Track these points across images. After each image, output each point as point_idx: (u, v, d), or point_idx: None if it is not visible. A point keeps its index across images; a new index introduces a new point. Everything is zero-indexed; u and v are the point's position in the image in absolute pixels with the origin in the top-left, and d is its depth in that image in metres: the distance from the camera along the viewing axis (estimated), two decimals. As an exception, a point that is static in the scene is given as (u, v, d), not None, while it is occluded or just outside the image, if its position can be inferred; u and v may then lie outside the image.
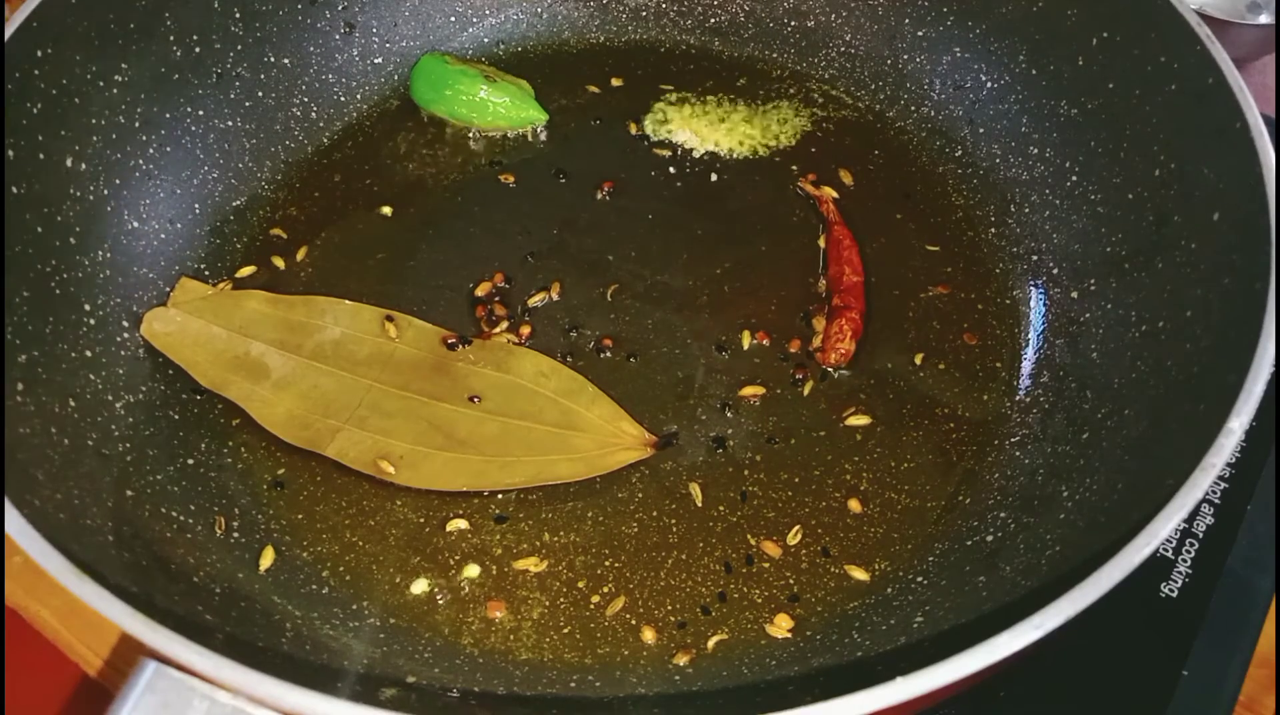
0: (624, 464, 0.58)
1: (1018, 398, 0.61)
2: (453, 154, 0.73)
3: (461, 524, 0.56)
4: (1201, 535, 0.60)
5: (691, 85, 0.76)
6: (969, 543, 0.55)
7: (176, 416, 0.59)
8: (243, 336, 0.62)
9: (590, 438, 0.58)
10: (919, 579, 0.54)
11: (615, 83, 0.77)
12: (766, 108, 0.75)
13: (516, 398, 0.60)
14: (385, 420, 0.59)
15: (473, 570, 0.55)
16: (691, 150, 0.73)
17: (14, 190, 0.55)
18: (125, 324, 0.60)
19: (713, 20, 0.79)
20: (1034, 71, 0.68)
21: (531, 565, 0.55)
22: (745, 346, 0.63)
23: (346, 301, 0.64)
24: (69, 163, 0.59)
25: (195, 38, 0.66)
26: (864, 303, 0.64)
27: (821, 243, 0.68)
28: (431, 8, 0.77)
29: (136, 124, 0.63)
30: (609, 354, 0.63)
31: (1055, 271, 0.64)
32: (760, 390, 0.61)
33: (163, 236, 0.64)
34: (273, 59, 0.71)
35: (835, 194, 0.70)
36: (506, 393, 0.60)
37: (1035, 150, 0.67)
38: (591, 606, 0.54)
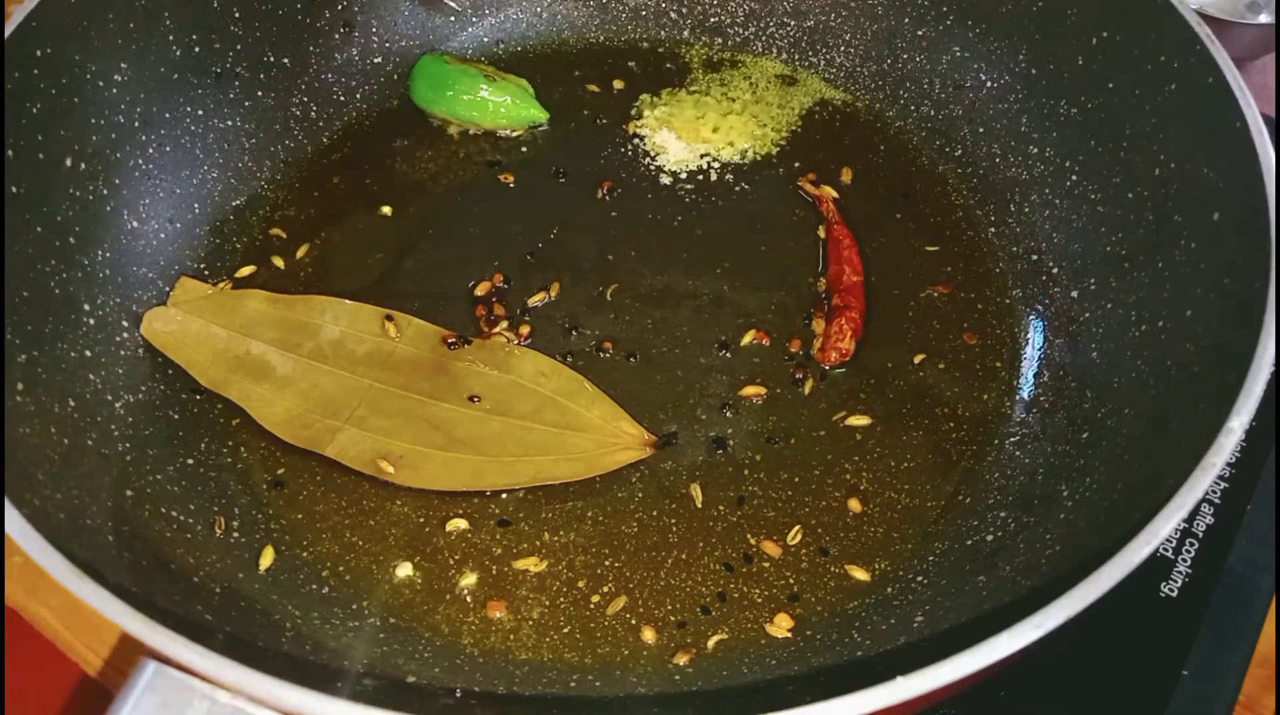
0: (623, 464, 0.58)
1: (1018, 397, 0.61)
2: (452, 154, 0.73)
3: (461, 524, 0.56)
4: (1201, 535, 0.60)
5: (691, 85, 0.76)
6: (969, 542, 0.55)
7: (176, 416, 0.59)
8: (243, 336, 0.62)
9: (590, 438, 0.58)
10: (919, 578, 0.54)
11: (617, 84, 0.77)
12: (766, 107, 0.75)
13: (516, 398, 0.60)
14: (385, 420, 0.59)
15: (472, 570, 0.55)
16: (691, 150, 0.73)
17: (14, 190, 0.55)
18: (125, 324, 0.60)
19: (713, 20, 0.79)
20: (1034, 71, 0.68)
21: (531, 565, 0.55)
22: (745, 346, 0.63)
23: (346, 301, 0.64)
24: (69, 162, 0.59)
25: (195, 37, 0.66)
26: (864, 302, 0.64)
27: (821, 235, 0.68)
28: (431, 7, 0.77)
29: (136, 124, 0.63)
30: (609, 354, 0.63)
31: (1055, 271, 0.64)
32: (760, 390, 0.61)
33: (162, 236, 0.64)
34: (272, 59, 0.71)
35: (835, 194, 0.70)
36: (506, 393, 0.60)
37: (1035, 150, 0.67)
38: (591, 606, 0.54)
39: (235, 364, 0.61)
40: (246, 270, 0.66)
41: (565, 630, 0.53)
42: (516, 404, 0.60)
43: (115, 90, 0.61)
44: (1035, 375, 0.62)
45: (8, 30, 0.55)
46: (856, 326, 0.63)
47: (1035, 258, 0.66)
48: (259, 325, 0.62)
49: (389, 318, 0.63)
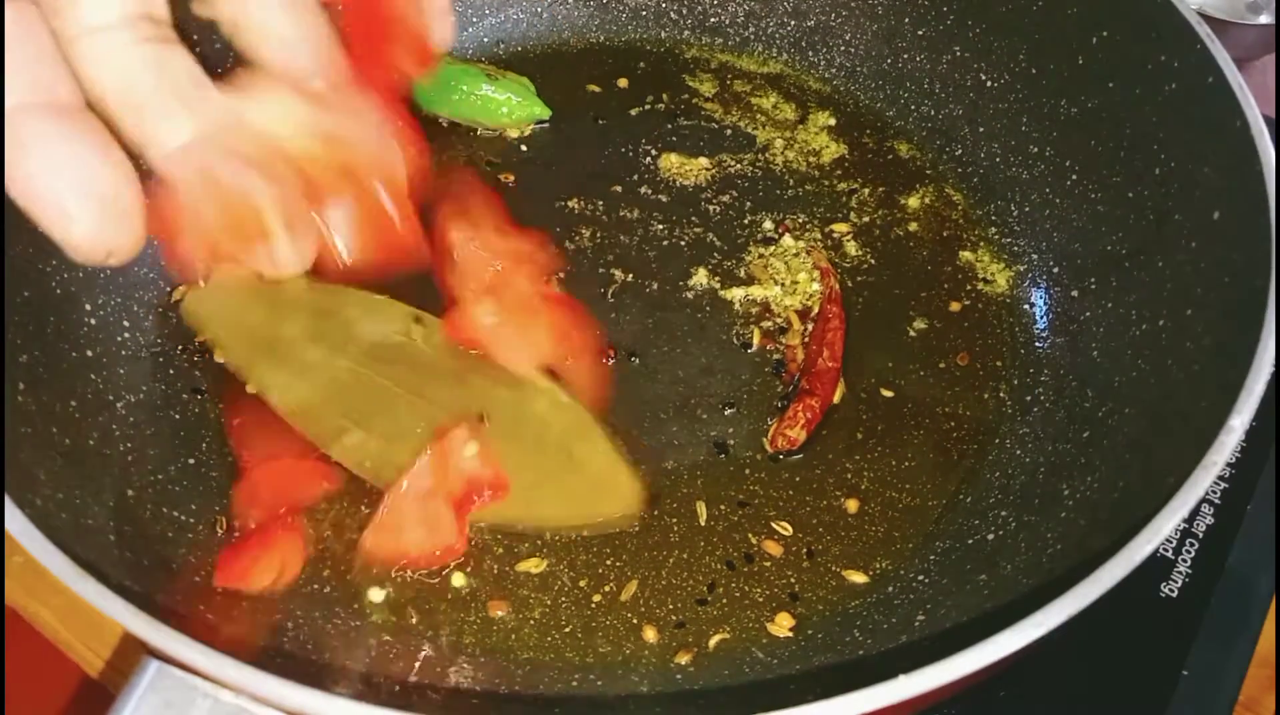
0: (611, 519, 0.55)
1: (1018, 397, 0.61)
2: (453, 154, 0.73)
3: (463, 524, 0.56)
4: (1201, 535, 0.60)
5: (692, 86, 0.76)
6: (970, 541, 0.55)
7: (177, 416, 0.59)
8: (276, 318, 0.62)
9: (585, 482, 0.56)
10: (920, 578, 0.54)
11: (620, 83, 0.77)
12: (766, 108, 0.75)
13: (524, 425, 0.58)
14: (393, 425, 0.58)
15: (474, 570, 0.55)
16: (692, 150, 0.73)
17: (15, 190, 0.55)
18: (126, 324, 0.60)
19: (713, 20, 0.79)
20: (1034, 70, 0.68)
21: (533, 565, 0.55)
22: (749, 345, 0.63)
23: (381, 297, 0.63)
24: (69, 162, 0.58)
25: (195, 37, 0.65)
26: (831, 392, 0.61)
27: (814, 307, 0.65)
28: (431, 8, 0.77)
29: (137, 124, 0.63)
30: (610, 358, 0.63)
31: (1055, 271, 0.65)
32: (762, 391, 0.61)
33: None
34: (273, 59, 0.70)
35: (835, 279, 0.66)
36: (516, 418, 0.58)
37: (1035, 149, 0.67)
38: (593, 606, 0.54)
39: (262, 345, 0.61)
40: (247, 270, 0.66)
41: (567, 629, 0.53)
42: (522, 433, 0.58)
43: (116, 90, 0.61)
44: (1035, 375, 0.62)
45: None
46: (813, 416, 0.59)
47: (1035, 257, 0.66)
48: (293, 309, 0.62)
49: (418, 320, 0.62)
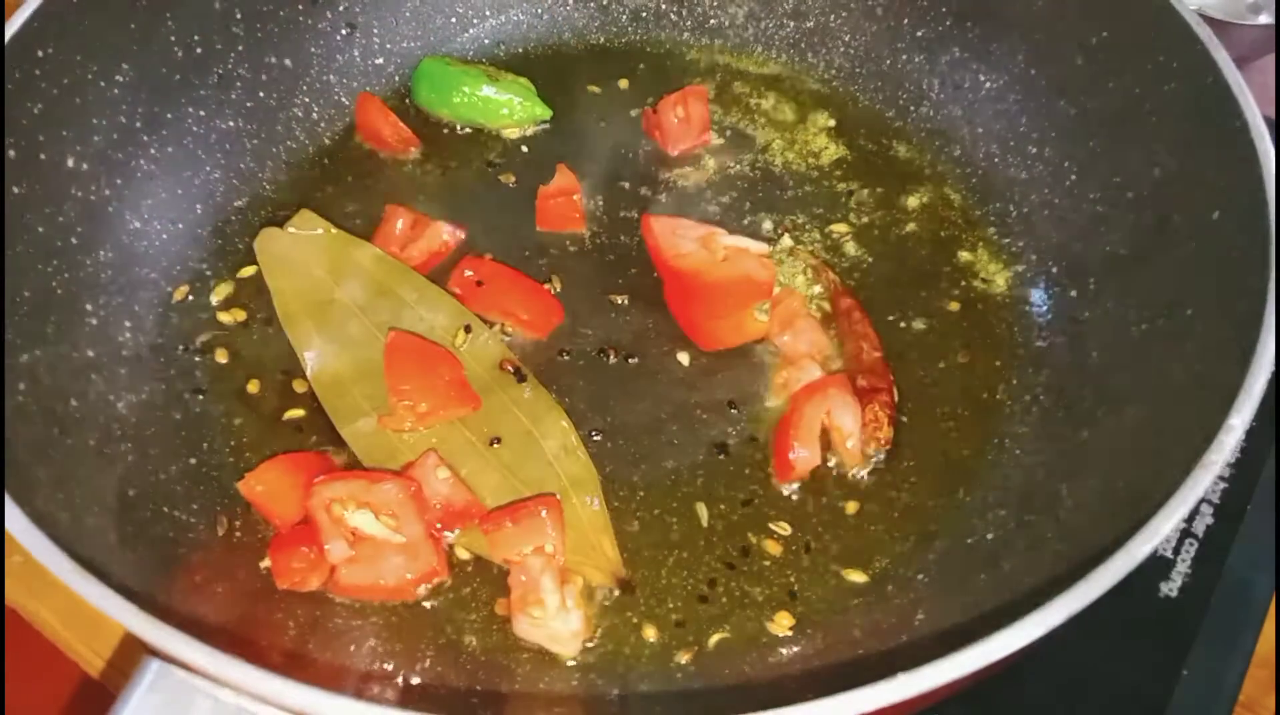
0: (587, 581, 0.54)
1: (1018, 396, 0.61)
2: (453, 154, 0.73)
3: (463, 523, 0.56)
4: (1201, 535, 0.60)
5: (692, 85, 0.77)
6: (970, 541, 0.55)
7: (178, 417, 0.59)
8: (337, 278, 0.63)
9: (570, 538, 0.55)
10: (920, 576, 0.54)
11: (621, 84, 0.77)
12: (766, 109, 0.75)
13: (530, 461, 0.58)
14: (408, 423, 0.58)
15: (475, 569, 0.55)
16: (692, 149, 0.73)
17: (15, 190, 0.55)
18: (126, 324, 0.60)
19: (712, 21, 0.79)
20: (1033, 71, 0.68)
21: (533, 564, 0.55)
22: (746, 346, 0.63)
23: (441, 290, 0.63)
24: (70, 163, 0.59)
25: (196, 38, 0.66)
26: (890, 379, 0.61)
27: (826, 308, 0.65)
28: (432, 8, 0.77)
29: (138, 124, 0.63)
30: (612, 358, 0.63)
31: (1055, 271, 0.65)
32: (762, 390, 0.61)
33: (164, 237, 0.64)
34: (274, 59, 0.71)
35: (834, 271, 0.66)
36: (524, 450, 0.58)
37: (1034, 149, 0.67)
38: (594, 605, 0.54)
39: (314, 307, 0.62)
40: (249, 271, 0.66)
41: (567, 629, 0.53)
42: (526, 467, 0.57)
43: (117, 91, 0.61)
44: (1035, 374, 0.62)
45: (9, 30, 0.55)
46: (891, 411, 0.59)
47: (1035, 257, 0.66)
48: (354, 279, 0.63)
49: (467, 327, 0.61)
